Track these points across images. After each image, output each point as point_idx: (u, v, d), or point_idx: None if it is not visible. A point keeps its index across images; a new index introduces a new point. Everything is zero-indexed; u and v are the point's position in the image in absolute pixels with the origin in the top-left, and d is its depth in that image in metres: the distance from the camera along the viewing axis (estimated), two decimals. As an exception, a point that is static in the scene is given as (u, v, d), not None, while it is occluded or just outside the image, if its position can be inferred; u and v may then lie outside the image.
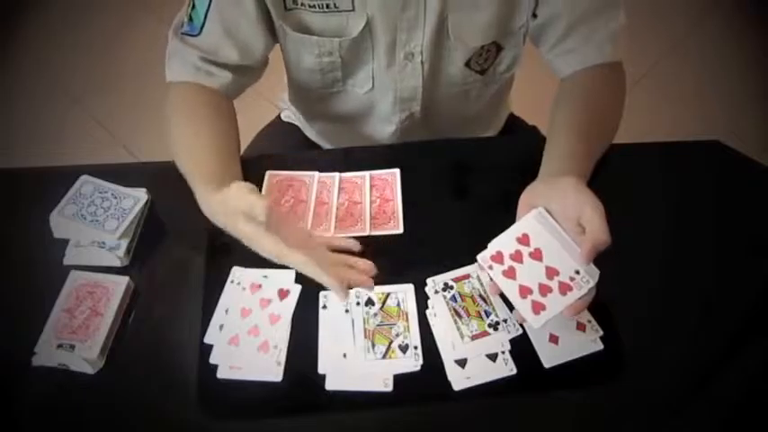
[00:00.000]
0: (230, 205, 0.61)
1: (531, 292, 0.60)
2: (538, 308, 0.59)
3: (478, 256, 0.63)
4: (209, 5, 0.75)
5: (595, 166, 0.73)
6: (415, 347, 0.63)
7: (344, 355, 0.63)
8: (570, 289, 0.59)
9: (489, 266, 0.62)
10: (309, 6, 0.76)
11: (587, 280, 0.59)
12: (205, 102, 0.78)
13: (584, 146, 0.72)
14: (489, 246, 0.63)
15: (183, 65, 0.78)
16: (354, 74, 0.86)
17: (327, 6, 0.75)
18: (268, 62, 0.85)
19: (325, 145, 1.05)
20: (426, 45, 0.80)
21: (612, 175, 0.76)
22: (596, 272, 0.59)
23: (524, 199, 0.66)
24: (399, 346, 0.63)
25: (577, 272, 0.59)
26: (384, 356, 0.62)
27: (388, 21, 0.77)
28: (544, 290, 0.59)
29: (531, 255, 0.61)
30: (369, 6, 0.75)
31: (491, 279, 0.62)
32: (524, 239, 0.62)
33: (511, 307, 0.65)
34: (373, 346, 0.63)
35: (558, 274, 0.60)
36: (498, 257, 0.62)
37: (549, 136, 0.76)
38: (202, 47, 0.77)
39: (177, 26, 0.79)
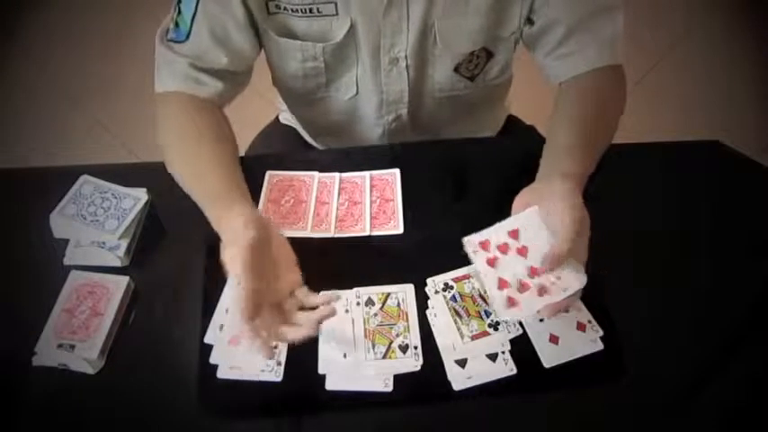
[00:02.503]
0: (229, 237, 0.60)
1: (508, 286, 0.60)
2: (511, 302, 0.59)
3: (465, 239, 0.63)
4: (196, 10, 0.73)
5: (595, 166, 0.73)
6: (415, 347, 0.63)
7: (344, 355, 0.63)
8: (548, 293, 0.59)
9: (474, 251, 0.62)
10: (293, 11, 0.75)
11: (565, 288, 0.58)
12: (199, 116, 0.75)
13: (583, 142, 0.72)
14: (480, 232, 0.63)
15: (172, 74, 0.75)
16: (338, 79, 0.85)
17: (311, 11, 0.75)
18: (253, 69, 0.83)
19: (320, 146, 1.05)
20: (411, 50, 0.79)
21: (612, 175, 0.76)
22: (583, 278, 0.59)
23: (518, 202, 0.66)
24: (399, 346, 0.63)
25: (559, 278, 0.59)
26: (384, 356, 0.62)
27: (371, 25, 0.76)
28: (523, 287, 0.59)
29: (517, 250, 0.62)
30: (352, 11, 0.75)
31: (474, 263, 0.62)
32: (514, 234, 0.62)
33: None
34: (373, 346, 0.63)
35: (538, 275, 0.60)
36: (485, 245, 0.62)
37: (549, 133, 0.75)
38: (190, 53, 0.74)
39: (163, 33, 0.76)
